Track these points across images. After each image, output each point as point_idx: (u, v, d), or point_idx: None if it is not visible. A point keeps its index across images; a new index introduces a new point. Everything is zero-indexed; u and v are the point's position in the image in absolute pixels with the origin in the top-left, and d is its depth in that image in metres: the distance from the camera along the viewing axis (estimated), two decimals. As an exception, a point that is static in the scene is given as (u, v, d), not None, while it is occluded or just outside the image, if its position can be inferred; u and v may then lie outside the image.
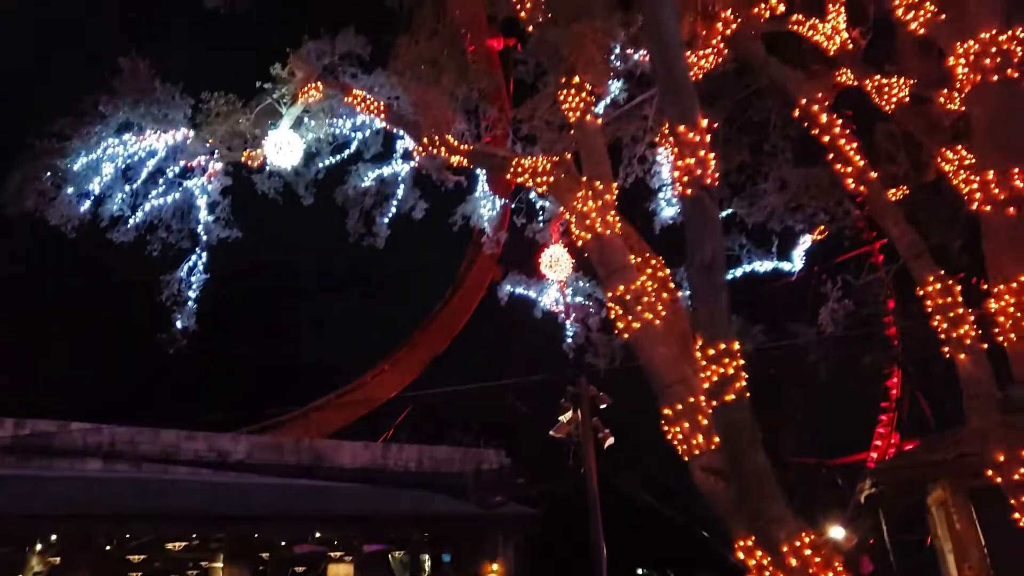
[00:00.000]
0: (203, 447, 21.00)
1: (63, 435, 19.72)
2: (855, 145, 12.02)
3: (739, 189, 16.31)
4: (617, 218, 12.14)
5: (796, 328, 18.15)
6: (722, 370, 9.34)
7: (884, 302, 22.57)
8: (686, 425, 10.53)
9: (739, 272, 16.47)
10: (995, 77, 9.75)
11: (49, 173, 14.55)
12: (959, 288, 11.20)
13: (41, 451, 19.48)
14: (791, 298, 19.14)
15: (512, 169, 13.23)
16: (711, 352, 9.38)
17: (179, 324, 15.62)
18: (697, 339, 9.79)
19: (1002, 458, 9.65)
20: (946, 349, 11.09)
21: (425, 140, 13.88)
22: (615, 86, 14.13)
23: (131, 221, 15.41)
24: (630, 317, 11.40)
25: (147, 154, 15.42)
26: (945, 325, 11.02)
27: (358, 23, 14.94)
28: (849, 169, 11.91)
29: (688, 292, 12.45)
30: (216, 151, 15.35)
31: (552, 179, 12.88)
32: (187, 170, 15.80)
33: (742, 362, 9.49)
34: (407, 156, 16.34)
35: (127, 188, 15.58)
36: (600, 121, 12.33)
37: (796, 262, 16.49)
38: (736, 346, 9.53)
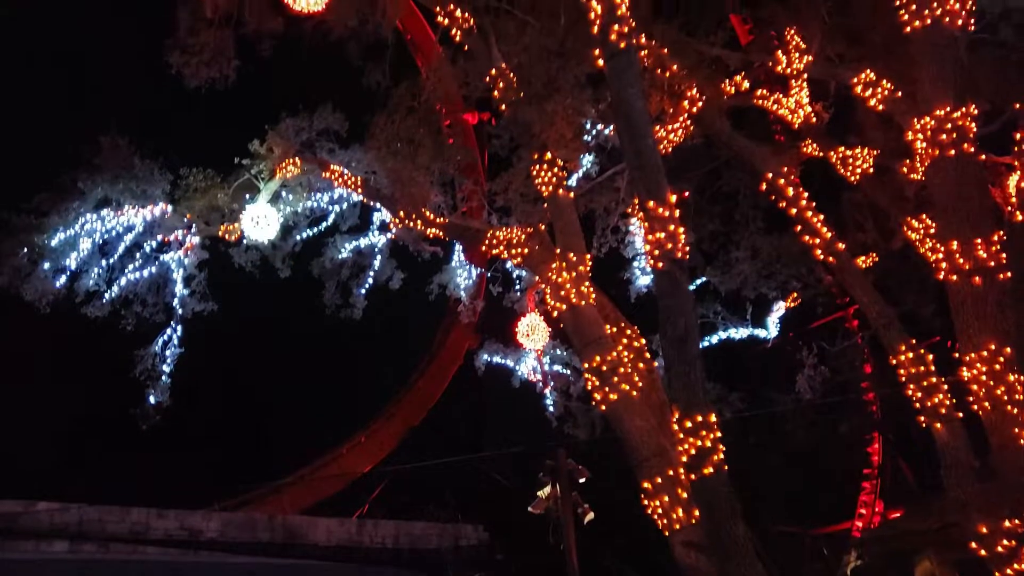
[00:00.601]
0: (174, 525, 20.31)
1: (29, 515, 19.04)
2: (822, 217, 12.30)
3: (712, 257, 16.57)
4: (591, 289, 12.25)
5: (774, 395, 18.19)
6: (700, 443, 9.32)
7: (860, 368, 22.72)
8: (666, 499, 10.43)
9: (715, 339, 16.56)
10: (952, 152, 10.09)
11: (25, 249, 14.47)
12: (931, 357, 11.30)
13: (5, 532, 18.77)
14: (768, 365, 19.22)
15: (487, 241, 13.39)
16: (688, 424, 9.37)
17: (152, 399, 15.35)
18: (674, 411, 9.80)
19: (984, 530, 9.59)
20: (922, 418, 11.11)
21: (402, 213, 14.04)
22: (587, 159, 14.43)
23: (107, 296, 15.27)
24: (607, 388, 11.40)
25: (125, 229, 15.40)
26: (920, 394, 11.07)
27: (336, 100, 15.26)
28: (817, 240, 12.16)
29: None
30: (194, 225, 15.38)
31: (527, 250, 13.04)
32: (164, 244, 15.77)
33: (719, 434, 9.48)
34: (384, 228, 16.45)
35: (104, 263, 15.52)
36: (573, 194, 12.57)
37: (771, 328, 16.62)
38: (713, 418, 9.52)
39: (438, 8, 12.54)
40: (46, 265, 14.70)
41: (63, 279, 15.03)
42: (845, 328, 22.89)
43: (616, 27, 8.72)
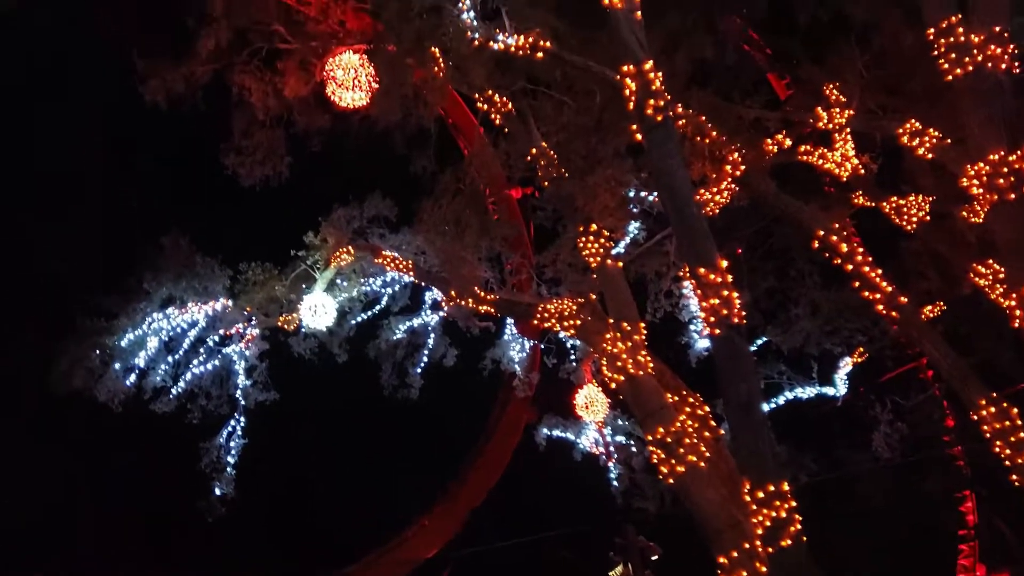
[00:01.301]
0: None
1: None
2: (880, 271, 11.94)
3: (771, 315, 16.18)
4: (648, 357, 12.04)
5: (850, 455, 17.38)
6: (775, 513, 8.94)
7: (941, 421, 21.54)
8: (743, 574, 9.95)
9: (781, 400, 16.02)
10: (1012, 196, 9.77)
11: (97, 351, 15.06)
12: (1016, 410, 10.66)
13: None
14: (840, 423, 18.43)
15: (538, 315, 13.35)
16: (760, 495, 9.02)
17: (218, 491, 15.54)
18: (745, 482, 9.46)
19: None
20: (1014, 477, 10.43)
21: (453, 292, 14.18)
22: (633, 226, 14.41)
23: (173, 391, 15.72)
24: (673, 460, 11.08)
25: (188, 325, 15.93)
26: (1008, 451, 10.42)
27: (384, 187, 15.73)
28: (878, 295, 11.78)
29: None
30: (254, 318, 15.83)
31: (579, 322, 12.95)
32: (226, 338, 16.24)
33: (794, 503, 9.09)
34: (435, 306, 16.64)
35: (170, 359, 16.04)
36: (621, 263, 12.49)
37: (840, 386, 16.02)
38: (786, 487, 9.17)
39: (477, 95, 12.92)
40: (117, 365, 15.26)
41: (132, 377, 15.59)
42: (919, 380, 21.83)
43: (651, 101, 8.82)
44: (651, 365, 12.00)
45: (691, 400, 12.39)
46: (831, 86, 11.90)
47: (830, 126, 11.80)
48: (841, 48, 12.45)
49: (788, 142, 12.14)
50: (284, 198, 16.18)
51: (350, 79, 13.45)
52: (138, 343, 15.42)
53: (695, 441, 11.28)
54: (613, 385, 12.30)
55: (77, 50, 22.09)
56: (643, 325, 12.21)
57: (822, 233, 12.01)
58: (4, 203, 22.10)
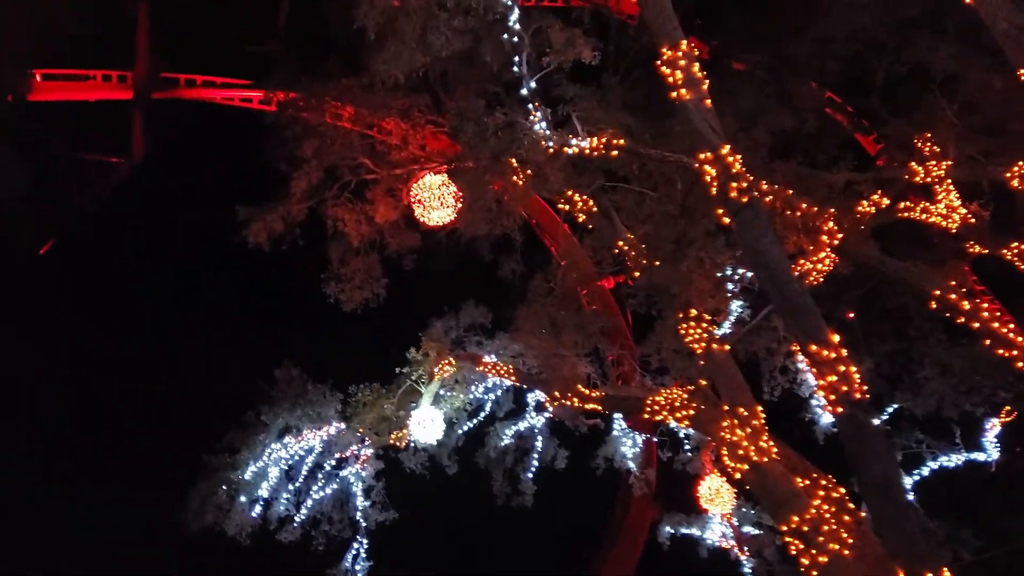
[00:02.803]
0: None
1: None
2: (1012, 324, 11.01)
3: (896, 380, 15.09)
4: (771, 442, 11.38)
5: (1015, 525, 15.56)
6: (937, 601, 8.09)
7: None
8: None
9: (926, 471, 14.69)
10: None
11: (224, 487, 15.67)
12: None
13: None
14: (998, 490, 16.63)
15: (648, 408, 12.97)
16: (917, 585, 8.20)
17: (350, 619, 15.53)
18: (897, 570, 8.66)
19: None
20: None
21: (556, 393, 14.05)
22: (735, 305, 13.97)
23: (297, 519, 16.07)
24: (813, 551, 10.28)
25: (306, 452, 16.42)
26: None
27: (476, 295, 16.05)
28: (1014, 351, 10.83)
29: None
30: (366, 438, 16.16)
31: (692, 411, 12.47)
32: (342, 460, 16.61)
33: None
34: (540, 408, 16.50)
35: (291, 487, 16.50)
36: (727, 346, 12.05)
37: (990, 449, 14.58)
38: (946, 572, 8.33)
39: (558, 197, 13.15)
40: (243, 498, 15.80)
41: (258, 509, 16.07)
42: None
43: (734, 184, 8.70)
44: (775, 449, 11.33)
45: (824, 483, 11.52)
46: (922, 138, 11.42)
47: (928, 179, 11.26)
48: (926, 99, 12.02)
49: (885, 201, 11.61)
50: (383, 317, 16.70)
51: (435, 199, 14.01)
52: (260, 474, 15.99)
53: (835, 527, 10.43)
54: (737, 475, 11.66)
55: (189, 201, 24.14)
56: (760, 408, 11.62)
57: (938, 293, 11.26)
58: (125, 359, 23.91)
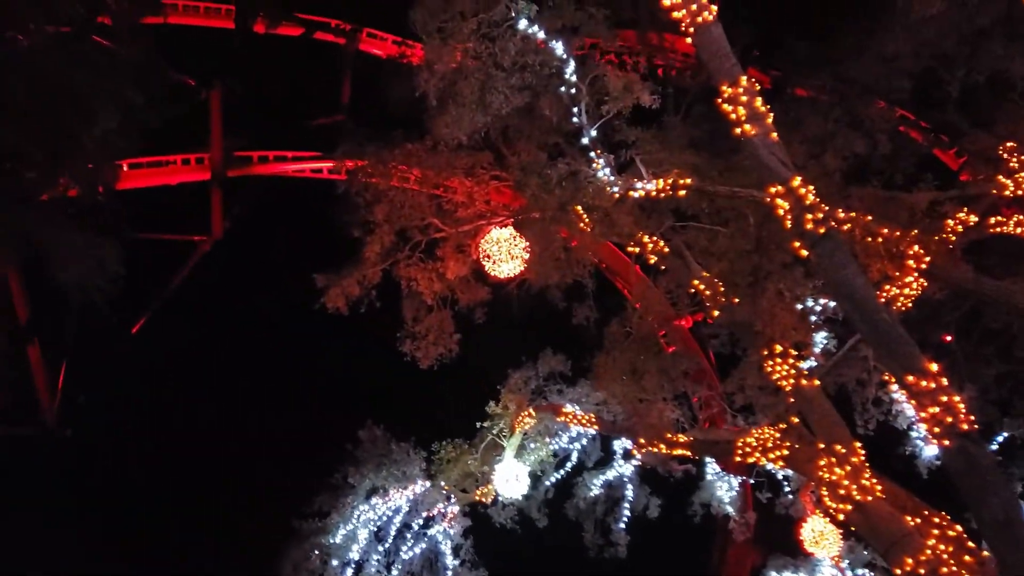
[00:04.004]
0: None
1: None
2: None
3: (1006, 405, 14.15)
4: (874, 479, 10.76)
5: None
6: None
7: None
8: None
9: (1048, 502, 13.58)
10: None
11: (316, 552, 15.83)
12: None
13: None
14: None
15: (740, 450, 12.49)
16: (1056, 629, 7.49)
17: None
18: (1031, 615, 7.95)
19: None
20: None
21: (642, 440, 13.71)
22: (820, 336, 13.44)
23: (389, 582, 16.08)
24: (935, 594, 9.58)
25: (393, 512, 16.48)
26: None
27: (552, 344, 15.96)
28: None
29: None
30: (452, 495, 16.12)
31: (786, 451, 11.93)
32: (429, 519, 16.60)
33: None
34: (628, 456, 16.15)
35: (380, 548, 16.54)
36: (817, 381, 11.55)
37: (1120, 473, 13.45)
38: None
39: (627, 240, 13.02)
40: (335, 562, 15.92)
41: (349, 572, 16.15)
42: None
43: (809, 216, 8.44)
44: (879, 487, 10.68)
45: (937, 520, 10.79)
46: (1007, 149, 10.82)
47: (1019, 192, 10.64)
48: (1007, 108, 11.45)
49: (973, 218, 11.00)
50: (463, 372, 16.74)
51: (504, 252, 14.09)
52: (351, 537, 16.12)
53: (954, 568, 9.72)
54: (840, 516, 11.04)
55: (269, 272, 25.07)
56: (858, 444, 11.03)
57: (1047, 312, 10.55)
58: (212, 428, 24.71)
